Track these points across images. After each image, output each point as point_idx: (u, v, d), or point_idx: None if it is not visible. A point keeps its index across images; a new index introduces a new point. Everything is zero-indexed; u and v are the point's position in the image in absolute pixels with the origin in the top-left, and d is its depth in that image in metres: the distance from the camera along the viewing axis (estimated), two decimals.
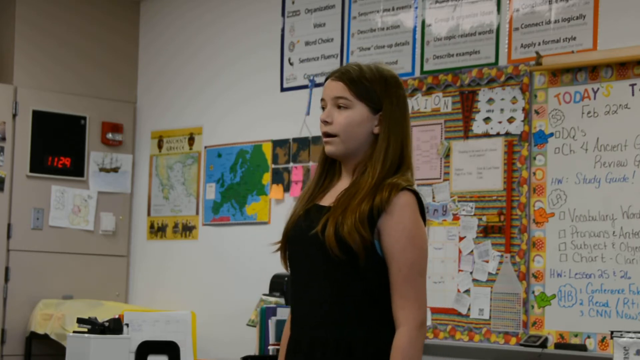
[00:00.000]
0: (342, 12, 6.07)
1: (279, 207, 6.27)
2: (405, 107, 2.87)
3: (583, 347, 4.86)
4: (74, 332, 5.16)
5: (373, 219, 2.71)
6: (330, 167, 2.90)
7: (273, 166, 6.33)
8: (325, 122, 2.83)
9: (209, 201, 6.71)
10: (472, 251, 5.29)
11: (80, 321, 5.11)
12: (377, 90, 2.83)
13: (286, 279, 5.95)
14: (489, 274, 5.22)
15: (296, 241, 2.83)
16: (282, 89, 6.37)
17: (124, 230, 7.22)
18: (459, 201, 5.36)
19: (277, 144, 6.32)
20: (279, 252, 2.91)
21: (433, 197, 5.46)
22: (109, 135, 7.14)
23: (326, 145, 2.84)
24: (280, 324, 5.37)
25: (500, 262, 5.18)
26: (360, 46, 5.95)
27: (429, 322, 5.40)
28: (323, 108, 2.87)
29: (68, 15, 7.11)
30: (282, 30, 6.39)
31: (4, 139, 6.76)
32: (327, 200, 2.83)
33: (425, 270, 2.75)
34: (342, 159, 2.86)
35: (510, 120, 5.21)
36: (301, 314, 2.81)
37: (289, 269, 2.88)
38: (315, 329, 2.75)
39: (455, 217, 5.37)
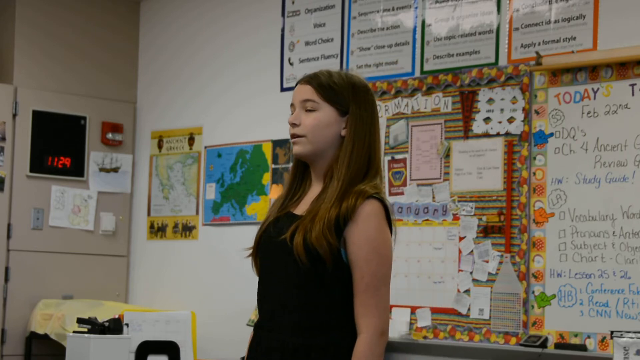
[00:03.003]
0: (342, 12, 6.07)
1: None
2: (374, 112, 2.88)
3: (583, 347, 4.86)
4: (74, 332, 5.16)
5: (339, 226, 2.73)
6: (303, 176, 2.92)
7: (273, 166, 6.33)
8: (293, 125, 2.86)
9: (209, 201, 6.71)
10: (472, 251, 5.29)
11: (80, 321, 5.11)
12: (344, 93, 2.84)
13: None
14: (489, 274, 5.22)
15: (265, 248, 2.87)
16: (282, 89, 6.37)
17: (124, 230, 7.22)
18: (459, 201, 5.36)
19: (277, 144, 6.32)
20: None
21: (433, 197, 5.46)
22: (109, 135, 7.14)
23: (294, 146, 2.87)
24: None
25: (500, 262, 5.18)
26: (360, 46, 5.95)
27: (428, 322, 5.41)
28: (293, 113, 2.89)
29: (68, 15, 7.11)
30: (282, 30, 6.39)
31: (4, 139, 6.76)
32: (300, 208, 2.85)
33: (388, 279, 2.76)
34: (310, 161, 2.87)
35: (510, 120, 5.21)
36: (264, 318, 2.84)
37: (258, 274, 2.91)
38: (276, 333, 2.78)
39: (455, 217, 5.37)
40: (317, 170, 2.87)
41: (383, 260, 2.74)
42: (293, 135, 2.86)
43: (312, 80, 2.86)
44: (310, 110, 2.84)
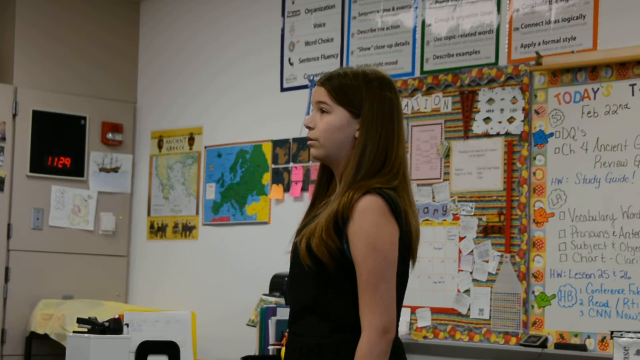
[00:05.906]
0: (342, 12, 6.07)
1: (279, 207, 6.27)
2: (391, 109, 2.80)
3: (583, 347, 4.86)
4: (74, 332, 5.16)
5: (338, 226, 2.70)
6: (330, 178, 2.90)
7: (273, 166, 6.33)
8: (308, 127, 2.85)
9: (209, 201, 6.71)
10: (472, 251, 5.29)
11: (80, 321, 5.11)
12: (357, 95, 2.79)
13: (286, 279, 5.96)
14: (489, 274, 5.22)
15: (291, 253, 2.87)
16: (282, 89, 6.37)
17: (124, 230, 7.22)
18: (459, 201, 5.37)
19: (277, 144, 6.32)
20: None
21: (433, 197, 5.46)
22: (109, 135, 7.14)
23: (311, 150, 2.86)
24: (280, 323, 5.37)
25: (500, 262, 5.18)
26: (360, 46, 5.95)
27: (428, 322, 5.40)
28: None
29: (68, 15, 7.11)
30: (282, 30, 6.39)
31: (4, 139, 6.76)
32: None
33: (389, 276, 2.70)
34: (328, 163, 2.86)
35: (510, 120, 5.21)
36: (289, 321, 2.87)
37: None
38: (295, 334, 2.81)
39: (455, 217, 5.37)
40: (337, 173, 2.85)
41: (380, 256, 2.68)
42: (308, 139, 2.85)
43: (325, 82, 2.83)
44: (324, 112, 2.82)
